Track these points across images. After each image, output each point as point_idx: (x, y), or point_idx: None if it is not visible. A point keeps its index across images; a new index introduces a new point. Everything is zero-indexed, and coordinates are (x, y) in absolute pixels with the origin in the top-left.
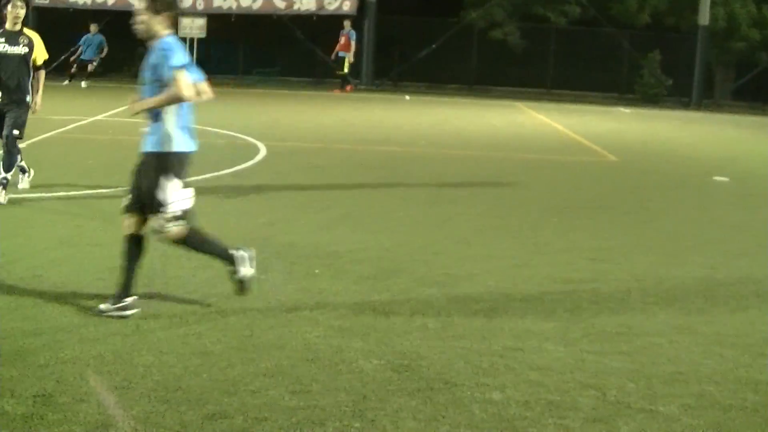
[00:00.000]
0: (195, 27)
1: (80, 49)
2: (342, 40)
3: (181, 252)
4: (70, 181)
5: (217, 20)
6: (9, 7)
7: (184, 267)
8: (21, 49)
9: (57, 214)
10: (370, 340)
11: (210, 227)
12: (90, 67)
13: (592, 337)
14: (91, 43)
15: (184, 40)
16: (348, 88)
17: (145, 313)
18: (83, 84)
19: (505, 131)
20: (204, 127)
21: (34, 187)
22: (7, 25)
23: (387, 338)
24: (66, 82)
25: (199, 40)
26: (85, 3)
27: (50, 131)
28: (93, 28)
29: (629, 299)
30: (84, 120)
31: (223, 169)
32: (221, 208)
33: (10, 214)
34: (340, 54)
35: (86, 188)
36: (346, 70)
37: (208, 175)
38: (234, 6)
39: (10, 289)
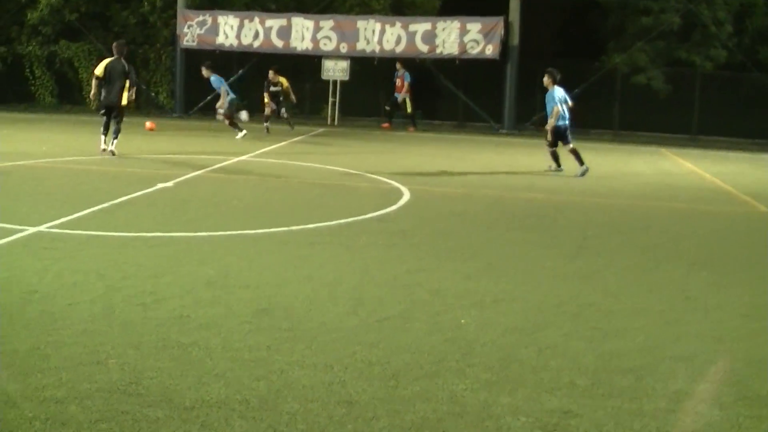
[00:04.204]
0: (338, 69)
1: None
2: (398, 82)
3: (327, 297)
4: (217, 221)
5: (360, 63)
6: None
7: (330, 312)
8: None
9: (205, 254)
10: (517, 395)
11: (353, 272)
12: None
13: (748, 400)
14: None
15: (327, 82)
16: (385, 125)
17: (290, 359)
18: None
19: (652, 179)
20: (348, 170)
21: (181, 226)
22: None
23: (535, 394)
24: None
25: (342, 82)
26: (231, 45)
27: (197, 170)
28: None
29: None
30: (230, 159)
31: (367, 213)
32: (366, 252)
33: (158, 253)
34: (398, 96)
35: (232, 228)
36: (409, 110)
37: (351, 219)
38: (377, 49)
39: (157, 329)
